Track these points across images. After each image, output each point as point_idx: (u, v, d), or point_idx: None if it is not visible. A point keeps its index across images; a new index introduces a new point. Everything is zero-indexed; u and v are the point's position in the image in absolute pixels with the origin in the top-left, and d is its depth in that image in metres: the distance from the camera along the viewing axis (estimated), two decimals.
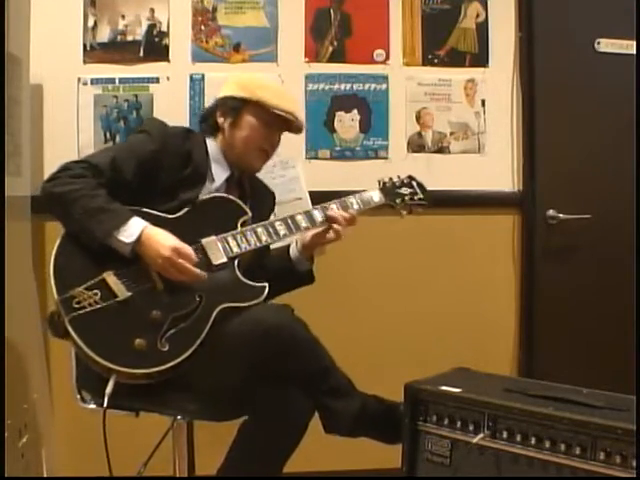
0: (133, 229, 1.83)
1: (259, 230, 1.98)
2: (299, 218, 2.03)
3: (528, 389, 1.86)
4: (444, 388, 1.88)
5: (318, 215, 2.06)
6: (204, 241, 1.91)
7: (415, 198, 2.22)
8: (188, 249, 1.86)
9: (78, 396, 1.96)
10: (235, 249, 1.94)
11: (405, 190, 2.22)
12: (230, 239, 1.94)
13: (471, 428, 1.81)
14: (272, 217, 2.18)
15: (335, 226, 2.05)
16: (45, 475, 2.43)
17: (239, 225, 1.98)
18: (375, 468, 2.66)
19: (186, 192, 1.97)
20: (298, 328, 1.86)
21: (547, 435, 1.69)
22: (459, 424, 1.83)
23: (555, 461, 1.68)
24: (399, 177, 2.24)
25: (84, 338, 1.75)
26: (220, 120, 2.08)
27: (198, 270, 1.85)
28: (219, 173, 2.07)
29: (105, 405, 1.77)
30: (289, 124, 2.09)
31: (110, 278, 1.81)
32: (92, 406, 1.90)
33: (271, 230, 1.99)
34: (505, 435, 1.75)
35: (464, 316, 2.91)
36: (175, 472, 2.00)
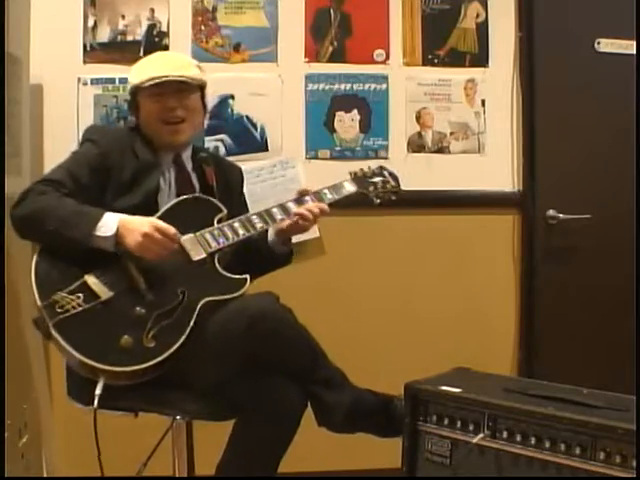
0: (110, 223, 1.85)
1: (236, 225, 2.00)
2: (274, 211, 2.05)
3: (528, 389, 1.86)
4: (444, 388, 1.88)
5: (292, 207, 2.07)
6: (182, 239, 1.93)
7: (387, 186, 2.24)
8: (165, 224, 1.87)
9: (69, 396, 1.97)
10: (213, 244, 1.95)
11: (377, 179, 2.24)
12: (208, 235, 1.96)
13: (471, 428, 1.81)
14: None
15: (301, 222, 2.05)
16: (45, 475, 2.43)
17: (215, 222, 2.00)
18: (375, 468, 2.67)
19: (144, 182, 1.99)
20: (283, 314, 1.87)
21: (547, 435, 1.69)
22: (459, 424, 1.83)
23: (555, 461, 1.68)
24: (369, 167, 2.27)
25: (70, 341, 1.76)
26: (134, 119, 2.13)
27: (177, 243, 1.88)
28: (164, 158, 2.08)
29: (95, 406, 1.77)
30: (177, 85, 2.04)
31: (91, 280, 1.83)
32: (90, 407, 1.89)
33: (247, 224, 2.01)
34: (505, 435, 1.75)
35: (464, 316, 2.91)
36: (174, 472, 2.00)
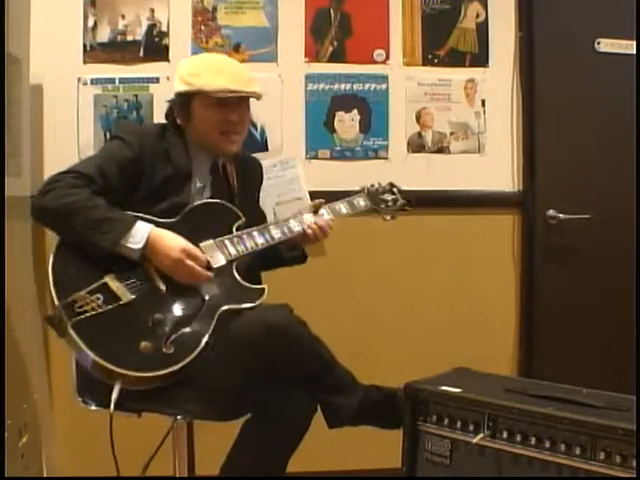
0: (140, 234, 1.83)
1: (255, 234, 2.00)
2: (292, 223, 2.06)
3: (528, 389, 1.86)
4: (444, 388, 1.88)
5: (309, 219, 2.09)
6: (202, 245, 1.92)
7: (397, 204, 2.29)
8: (197, 250, 1.88)
9: (79, 398, 1.95)
10: (233, 252, 1.95)
11: (387, 196, 2.29)
12: (228, 243, 1.96)
13: (471, 428, 1.81)
14: (271, 210, 2.26)
15: (314, 234, 2.07)
16: (45, 475, 2.43)
17: (234, 229, 2.00)
18: (375, 468, 2.67)
19: (175, 193, 1.97)
20: (297, 327, 1.87)
21: (547, 435, 1.69)
22: (459, 424, 1.83)
23: (555, 461, 1.68)
24: (379, 184, 2.30)
25: (88, 343, 1.74)
26: (178, 120, 2.07)
27: (207, 271, 1.87)
28: (201, 166, 2.07)
29: (112, 411, 1.75)
30: (241, 97, 2.03)
31: (112, 282, 1.81)
32: (93, 407, 1.89)
33: (267, 234, 2.01)
34: (505, 435, 1.75)
35: (464, 316, 2.91)
36: (175, 472, 2.00)
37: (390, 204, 2.28)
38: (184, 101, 2.04)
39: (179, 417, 1.90)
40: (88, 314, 1.75)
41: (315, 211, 2.11)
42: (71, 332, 1.74)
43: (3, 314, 2.08)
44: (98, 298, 1.78)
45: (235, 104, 2.02)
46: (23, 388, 2.33)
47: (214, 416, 1.87)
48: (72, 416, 2.19)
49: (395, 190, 2.31)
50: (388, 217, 2.28)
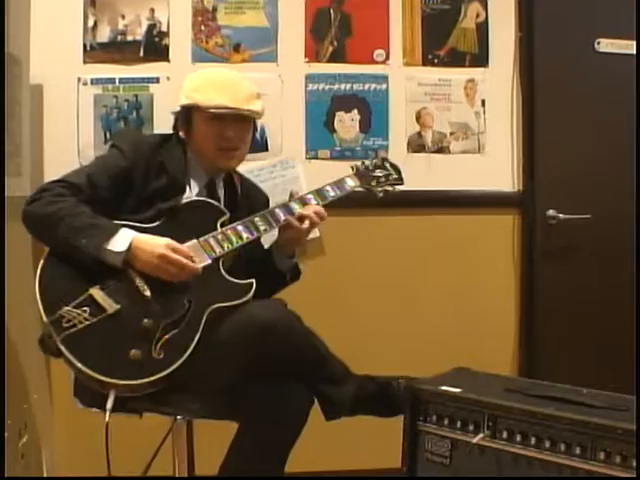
0: (123, 239, 1.83)
1: (239, 228, 1.98)
2: (277, 211, 2.04)
3: (528, 389, 1.86)
4: (444, 388, 1.88)
5: (296, 207, 2.05)
6: (186, 245, 1.90)
7: (390, 179, 2.24)
8: (180, 245, 1.87)
9: (77, 399, 1.95)
10: (218, 249, 1.94)
11: (379, 172, 2.24)
12: (212, 240, 1.94)
13: (471, 428, 1.81)
14: None
15: (307, 223, 2.02)
16: (45, 475, 2.43)
17: (218, 226, 1.98)
18: (375, 468, 2.67)
19: (164, 203, 1.97)
20: (291, 321, 1.87)
21: (547, 435, 1.69)
22: (459, 424, 1.83)
23: (555, 461, 1.68)
24: (372, 159, 2.27)
25: (78, 356, 1.74)
26: (181, 133, 2.08)
27: (194, 264, 1.86)
28: (196, 181, 2.06)
29: (107, 419, 1.76)
30: (240, 115, 2.02)
31: (97, 293, 1.80)
32: (92, 409, 1.89)
33: (251, 227, 1.99)
34: (505, 435, 1.75)
35: (464, 316, 2.91)
36: (175, 472, 2.00)
37: (382, 180, 2.22)
38: (186, 114, 2.05)
39: (179, 417, 1.91)
40: (76, 328, 1.75)
41: (302, 197, 2.06)
42: (61, 347, 1.74)
43: (3, 314, 2.08)
44: (84, 311, 1.78)
45: (232, 120, 2.02)
46: (23, 388, 2.33)
47: (214, 415, 1.87)
48: (72, 416, 2.19)
49: (387, 165, 2.26)
50: (380, 194, 2.21)
